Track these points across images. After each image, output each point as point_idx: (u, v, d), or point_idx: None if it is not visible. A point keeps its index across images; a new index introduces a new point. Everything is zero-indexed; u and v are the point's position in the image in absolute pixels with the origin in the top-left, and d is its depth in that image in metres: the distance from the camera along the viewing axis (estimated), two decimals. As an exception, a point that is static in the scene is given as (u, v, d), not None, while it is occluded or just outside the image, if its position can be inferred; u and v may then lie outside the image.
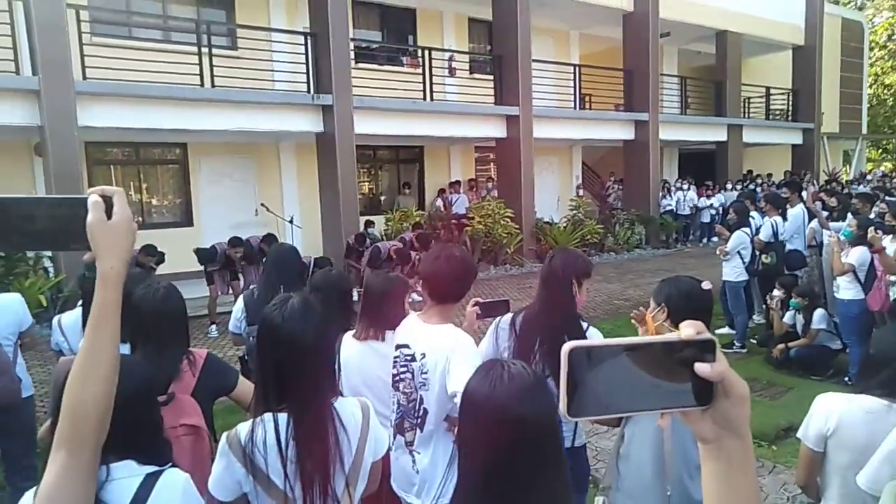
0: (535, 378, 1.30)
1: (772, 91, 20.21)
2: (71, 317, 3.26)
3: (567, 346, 0.67)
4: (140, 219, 11.81)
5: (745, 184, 17.48)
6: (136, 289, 2.49)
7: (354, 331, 2.84)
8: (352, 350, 2.79)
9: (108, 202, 1.14)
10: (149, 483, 1.44)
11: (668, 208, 16.27)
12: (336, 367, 2.75)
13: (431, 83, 12.54)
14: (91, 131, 9.16)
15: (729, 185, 17.18)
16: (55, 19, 8.37)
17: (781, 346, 6.33)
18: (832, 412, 2.13)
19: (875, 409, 2.06)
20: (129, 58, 9.31)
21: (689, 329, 0.69)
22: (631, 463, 2.30)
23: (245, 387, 2.56)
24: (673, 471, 2.16)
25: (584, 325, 2.63)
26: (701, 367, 0.68)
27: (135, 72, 9.18)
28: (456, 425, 2.25)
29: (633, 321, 2.45)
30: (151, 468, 1.47)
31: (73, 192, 8.12)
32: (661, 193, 16.26)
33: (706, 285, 2.27)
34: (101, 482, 1.36)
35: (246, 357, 3.91)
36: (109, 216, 1.13)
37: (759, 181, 18.02)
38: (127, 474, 1.43)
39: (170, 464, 1.54)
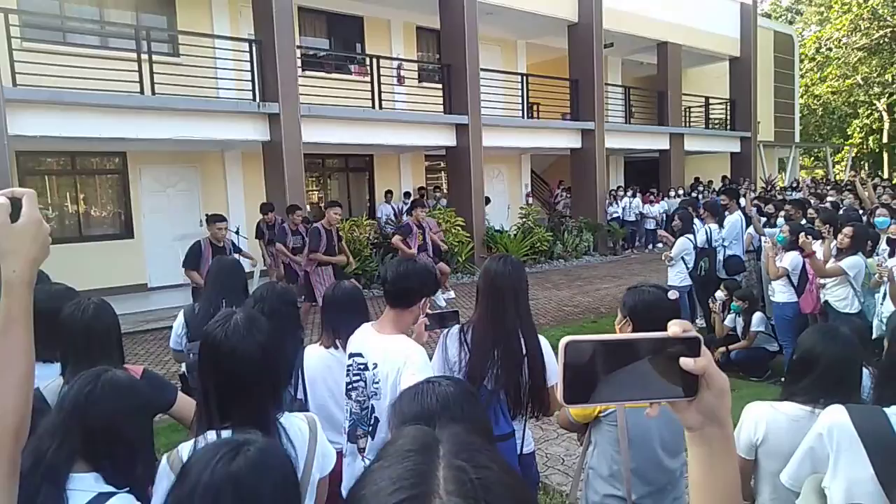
0: (461, 389, 1.36)
1: (711, 101, 20.98)
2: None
3: (564, 340, 0.74)
4: (78, 231, 11.36)
5: (691, 191, 18.04)
6: (65, 306, 2.40)
7: (319, 340, 2.92)
8: (315, 360, 2.82)
9: (16, 204, 1.09)
10: (96, 502, 1.49)
11: (615, 215, 16.64)
12: (290, 380, 2.72)
13: (380, 91, 12.49)
14: (22, 140, 8.75)
15: (672, 193, 17.69)
16: (-18, 23, 7.99)
17: (722, 349, 6.52)
18: (759, 421, 2.19)
19: (799, 416, 2.13)
20: (63, 64, 8.94)
21: (675, 327, 0.76)
22: (596, 473, 2.35)
23: (184, 403, 2.51)
24: (634, 487, 2.21)
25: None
26: (686, 361, 0.75)
27: (70, 78, 8.82)
28: None
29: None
30: (107, 488, 1.52)
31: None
32: (607, 201, 16.63)
33: (672, 295, 2.29)
34: (62, 484, 1.49)
35: (186, 374, 3.79)
36: (17, 219, 1.08)
37: (701, 188, 18.65)
38: (82, 487, 1.51)
39: (127, 489, 1.58)
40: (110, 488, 1.54)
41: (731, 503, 0.85)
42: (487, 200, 15.86)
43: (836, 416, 1.84)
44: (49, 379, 2.31)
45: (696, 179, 19.70)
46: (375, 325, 2.56)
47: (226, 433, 1.67)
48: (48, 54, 9.36)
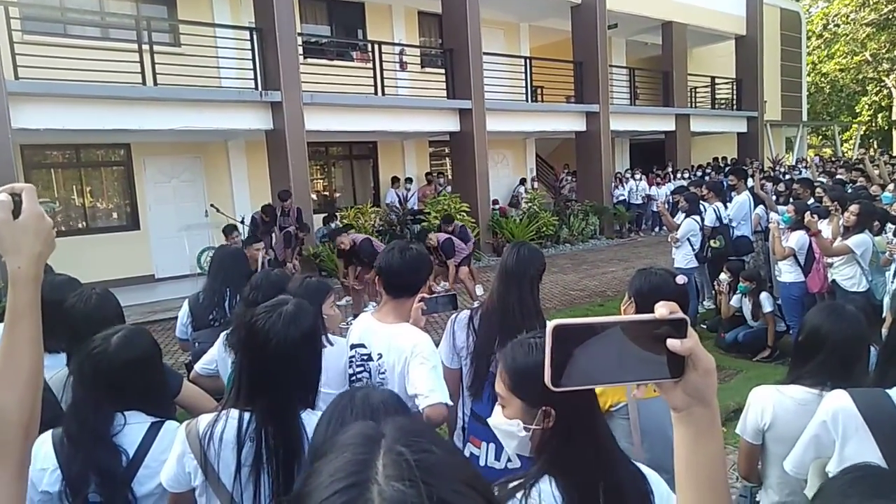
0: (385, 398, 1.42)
1: (717, 81, 20.75)
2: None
3: (551, 324, 0.74)
4: (83, 223, 11.41)
5: (693, 171, 17.91)
6: (69, 296, 2.41)
7: None
8: None
9: (16, 200, 1.08)
10: (154, 429, 1.87)
11: (621, 198, 16.56)
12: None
13: (382, 77, 12.42)
14: (26, 133, 8.78)
15: (678, 175, 17.54)
16: (-18, 16, 7.98)
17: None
18: (766, 406, 2.15)
19: (806, 399, 2.07)
20: (65, 56, 8.93)
21: (662, 309, 0.77)
22: None
23: (190, 391, 2.52)
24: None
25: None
26: (672, 343, 0.76)
27: (72, 70, 8.81)
28: None
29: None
30: (154, 419, 1.89)
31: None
32: (613, 184, 16.54)
33: (680, 279, 2.23)
34: (119, 426, 1.81)
35: (192, 362, 3.80)
36: (18, 215, 1.08)
37: (708, 170, 18.49)
38: (137, 421, 1.86)
39: (169, 417, 1.95)
40: (155, 419, 1.89)
41: (717, 482, 0.85)
42: (523, 181, 16.17)
43: (840, 402, 1.80)
44: (55, 370, 2.32)
45: (715, 159, 19.56)
46: (376, 315, 2.51)
47: (248, 414, 1.70)
48: (49, 46, 9.34)
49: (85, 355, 1.85)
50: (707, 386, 0.80)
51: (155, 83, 9.66)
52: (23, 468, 1.11)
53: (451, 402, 2.24)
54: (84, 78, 8.94)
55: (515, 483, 1.36)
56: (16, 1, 9.31)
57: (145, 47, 9.63)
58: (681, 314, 0.77)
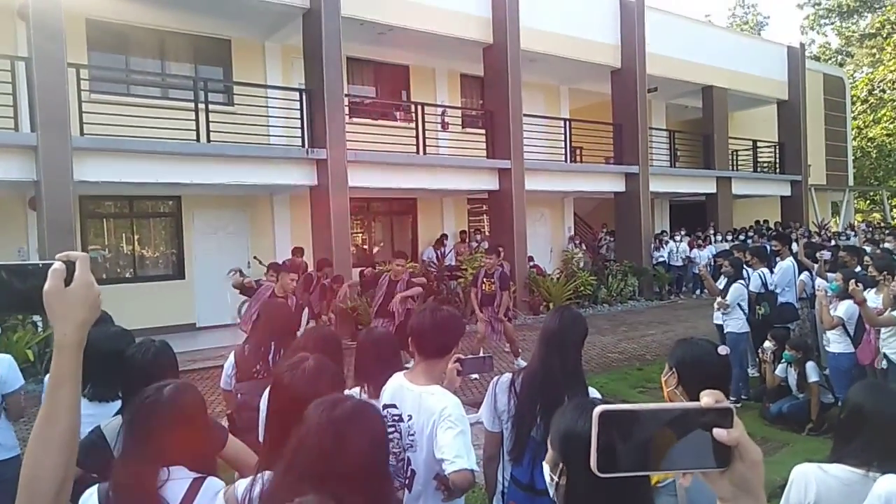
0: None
1: (759, 144, 20.68)
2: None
3: (598, 409, 0.75)
4: (132, 271, 11.81)
5: (735, 234, 17.68)
6: (125, 346, 2.52)
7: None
8: None
9: (70, 268, 1.12)
10: (195, 485, 1.88)
11: (661, 260, 16.38)
12: None
13: (424, 137, 12.77)
14: (86, 185, 9.24)
15: (720, 237, 17.35)
16: (56, 78, 8.55)
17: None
18: (809, 485, 2.07)
19: (851, 479, 2.00)
20: (126, 114, 9.48)
21: (708, 398, 0.77)
22: None
23: (235, 446, 2.55)
24: None
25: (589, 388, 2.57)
26: (719, 433, 0.75)
27: (132, 127, 9.33)
28: (445, 484, 2.22)
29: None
30: (197, 475, 1.90)
31: (65, 245, 8.19)
32: (653, 245, 16.42)
33: (722, 350, 2.19)
34: (162, 481, 1.83)
35: (234, 414, 3.86)
36: (70, 282, 1.12)
37: (751, 233, 18.24)
38: (181, 476, 1.87)
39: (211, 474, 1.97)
40: (197, 474, 1.90)
41: None
42: (571, 239, 16.69)
43: (892, 486, 1.75)
44: (110, 417, 2.41)
45: (757, 223, 19.43)
46: (408, 375, 2.50)
47: None
48: (113, 105, 9.92)
49: (137, 406, 1.91)
50: (754, 477, 0.78)
51: (208, 140, 10.12)
52: None
53: (477, 469, 2.23)
54: (143, 134, 9.44)
55: None
56: (87, 63, 9.97)
57: (201, 106, 10.15)
58: (727, 403, 0.77)
